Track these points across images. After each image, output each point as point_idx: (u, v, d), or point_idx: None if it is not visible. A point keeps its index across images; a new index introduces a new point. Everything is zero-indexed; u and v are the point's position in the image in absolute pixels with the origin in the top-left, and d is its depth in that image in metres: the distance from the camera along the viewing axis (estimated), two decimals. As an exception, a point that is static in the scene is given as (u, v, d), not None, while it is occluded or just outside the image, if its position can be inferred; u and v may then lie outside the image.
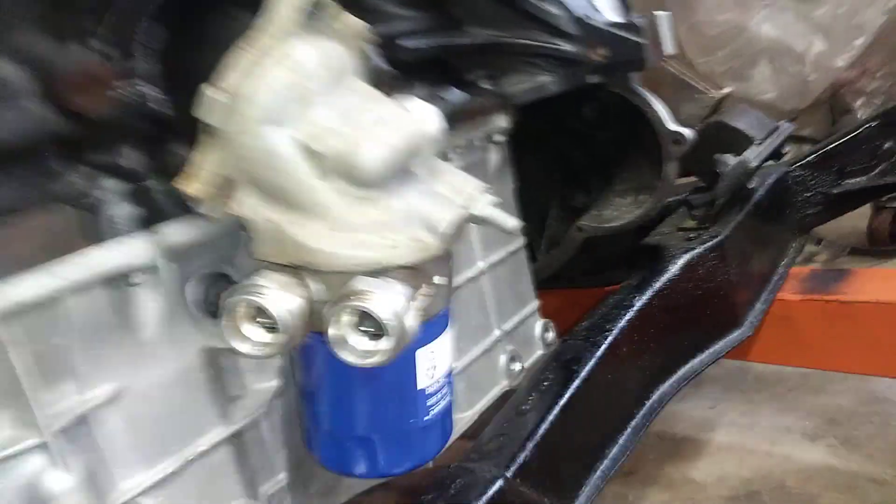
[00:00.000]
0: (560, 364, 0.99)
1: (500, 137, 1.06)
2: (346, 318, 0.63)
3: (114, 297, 0.65)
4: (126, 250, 0.64)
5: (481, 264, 1.07)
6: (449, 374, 0.76)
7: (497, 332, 1.09)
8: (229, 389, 0.76)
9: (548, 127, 1.34)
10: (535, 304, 1.19)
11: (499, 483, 0.78)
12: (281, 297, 0.64)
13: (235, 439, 0.75)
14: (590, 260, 1.32)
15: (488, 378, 1.07)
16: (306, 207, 0.66)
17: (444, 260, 0.71)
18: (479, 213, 0.70)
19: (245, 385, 0.78)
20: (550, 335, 1.19)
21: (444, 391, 0.75)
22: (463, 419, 1.01)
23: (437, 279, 0.70)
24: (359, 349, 0.63)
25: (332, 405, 0.73)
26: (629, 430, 1.02)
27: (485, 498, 0.76)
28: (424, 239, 0.67)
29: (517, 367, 1.10)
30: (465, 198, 0.71)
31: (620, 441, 1.00)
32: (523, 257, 1.18)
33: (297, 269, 0.67)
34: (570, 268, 1.34)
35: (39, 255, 0.59)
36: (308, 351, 0.71)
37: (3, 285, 0.57)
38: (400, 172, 0.68)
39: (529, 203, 1.35)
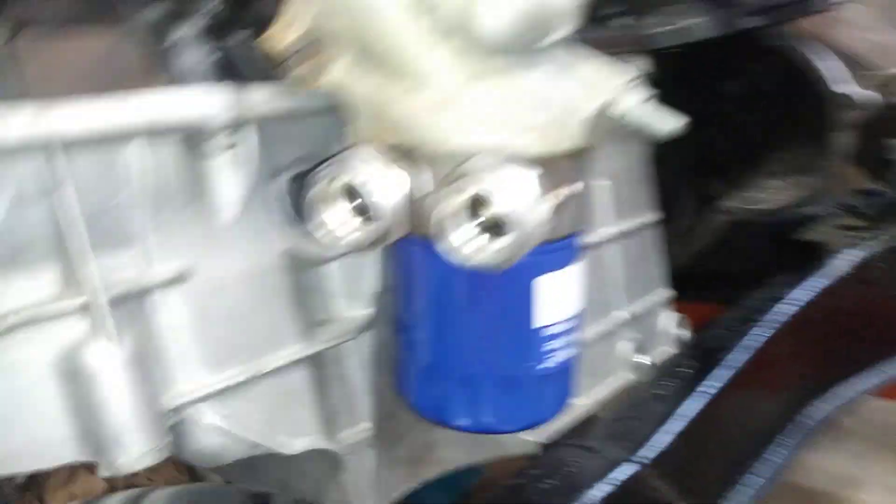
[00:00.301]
0: (700, 350, 0.82)
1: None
2: (454, 202, 0.49)
3: (188, 164, 0.55)
4: (205, 99, 0.53)
5: (607, 230, 0.91)
6: (576, 321, 0.61)
7: (620, 314, 0.92)
8: (314, 312, 0.65)
9: (681, 108, 1.19)
10: (668, 292, 1.01)
11: (630, 468, 0.62)
12: (378, 179, 0.51)
13: (315, 365, 0.64)
14: (723, 260, 1.14)
15: (607, 365, 0.90)
16: (415, 75, 0.53)
17: (580, 166, 0.57)
18: (630, 108, 0.56)
19: (333, 310, 0.66)
20: (686, 332, 1.01)
21: (567, 339, 0.60)
22: (575, 406, 0.85)
23: (577, 187, 0.55)
24: (466, 244, 0.49)
25: (430, 332, 0.59)
26: (781, 447, 0.83)
27: (613, 483, 0.60)
28: (559, 126, 0.53)
29: (644, 358, 0.93)
30: (612, 89, 0.56)
31: (771, 457, 0.81)
32: (658, 235, 1.01)
33: (401, 153, 0.54)
34: (701, 267, 1.16)
35: (99, 86, 0.48)
36: (407, 259, 0.58)
37: (54, 108, 0.46)
38: (531, 50, 0.55)
39: (658, 193, 1.19)
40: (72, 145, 0.48)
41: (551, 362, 0.59)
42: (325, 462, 0.66)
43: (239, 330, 0.59)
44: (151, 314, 0.55)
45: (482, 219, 0.49)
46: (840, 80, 0.97)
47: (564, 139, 0.53)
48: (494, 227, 0.49)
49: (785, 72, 1.02)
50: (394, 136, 0.54)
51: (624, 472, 0.61)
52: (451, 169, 0.51)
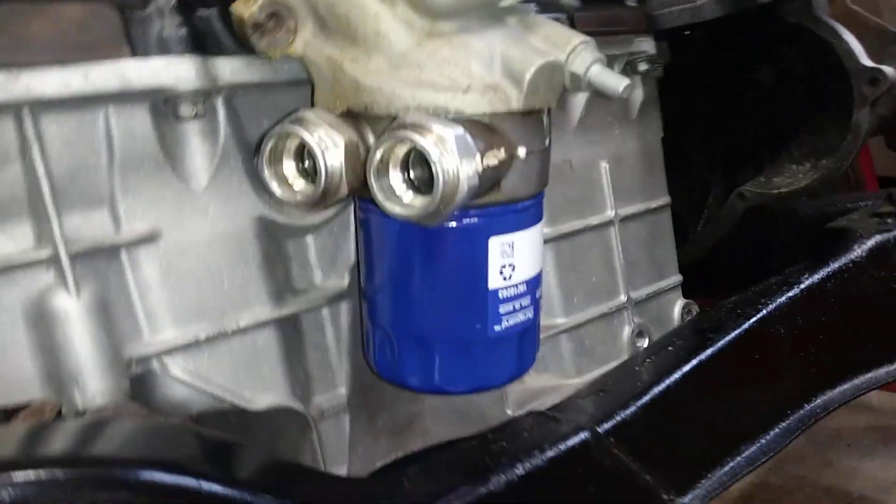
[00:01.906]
0: (692, 330, 0.81)
1: (645, 67, 0.90)
2: (383, 157, 0.50)
3: (161, 128, 0.58)
4: (172, 68, 0.56)
5: (611, 213, 0.91)
6: (534, 285, 0.61)
7: (622, 298, 0.92)
8: (288, 279, 0.67)
9: (710, 97, 1.17)
10: (676, 278, 0.99)
11: (583, 435, 0.61)
12: (323, 139, 0.53)
13: (286, 328, 0.66)
14: (745, 249, 1.11)
15: (606, 348, 0.89)
16: (368, 39, 0.55)
17: (535, 128, 0.57)
18: (580, 69, 0.56)
19: (309, 279, 0.68)
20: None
21: (524, 302, 0.60)
22: (569, 386, 0.84)
23: (521, 150, 0.56)
24: (392, 198, 0.50)
25: (386, 293, 0.60)
26: (776, 430, 0.80)
27: (561, 447, 0.60)
28: (503, 87, 0.54)
29: (645, 343, 0.92)
30: (564, 51, 0.56)
31: (763, 440, 0.78)
32: (667, 220, 0.99)
33: (352, 115, 0.55)
34: (723, 257, 1.13)
35: (71, 57, 0.52)
36: (364, 221, 0.60)
37: (24, 74, 0.50)
38: (485, 15, 0.56)
39: (686, 183, 1.17)
40: (42, 110, 0.52)
41: (506, 325, 0.59)
42: (297, 424, 0.68)
43: (208, 290, 0.61)
44: (121, 270, 0.58)
45: (410, 174, 0.50)
46: (870, 55, 0.93)
47: (510, 100, 0.54)
48: (424, 184, 0.50)
49: (812, 49, 0.98)
50: (349, 99, 0.55)
51: (576, 439, 0.61)
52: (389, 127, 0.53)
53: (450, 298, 0.58)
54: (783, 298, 0.85)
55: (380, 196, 0.51)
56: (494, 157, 0.52)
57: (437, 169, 0.48)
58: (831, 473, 1.62)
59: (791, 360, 0.85)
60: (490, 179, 0.52)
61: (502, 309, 0.59)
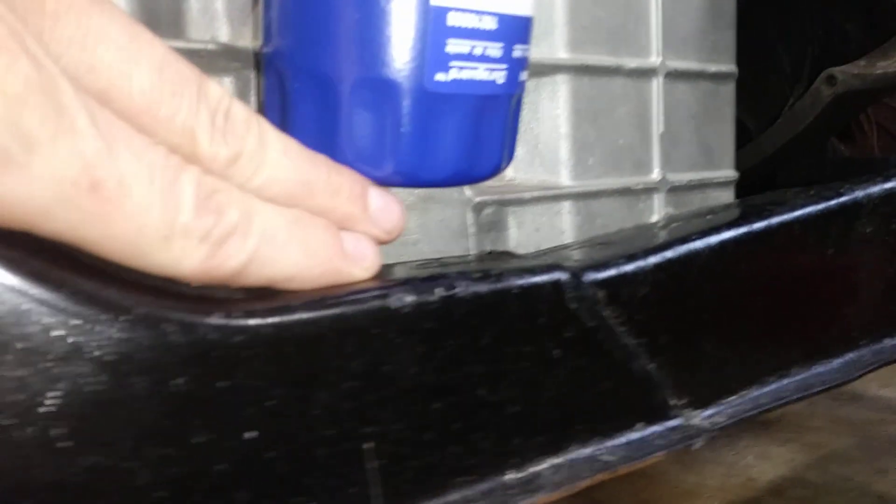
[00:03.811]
0: (746, 203, 0.58)
1: None
2: None
3: None
4: None
5: (656, 59, 0.68)
6: (513, 32, 0.40)
7: (654, 175, 0.69)
8: (189, 25, 0.47)
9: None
10: (729, 172, 0.77)
11: (557, 275, 0.40)
12: None
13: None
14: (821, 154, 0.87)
15: (625, 226, 0.67)
16: None
17: None
18: None
19: (215, 35, 0.48)
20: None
21: (491, 50, 0.39)
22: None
23: None
24: None
25: (283, 10, 0.39)
26: (842, 358, 0.57)
27: (517, 281, 0.38)
28: None
29: (676, 239, 0.69)
30: None
31: (821, 365, 0.56)
32: (728, 94, 0.76)
33: None
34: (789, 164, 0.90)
35: None
36: None
37: None
38: None
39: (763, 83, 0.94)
40: None
41: (454, 77, 0.38)
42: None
43: None
44: None
45: None
46: None
47: None
48: None
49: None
50: None
51: (545, 277, 0.39)
52: None
53: (364, 8, 0.36)
54: (876, 189, 0.61)
55: None
56: None
57: None
58: (885, 482, 1.36)
59: (876, 274, 0.62)
60: None
61: (451, 46, 0.37)
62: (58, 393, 0.26)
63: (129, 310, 0.26)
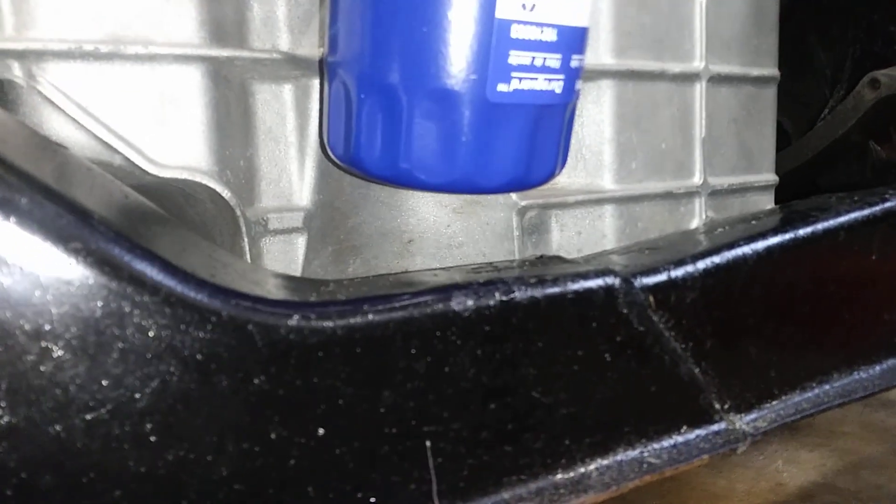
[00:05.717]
0: (789, 209, 0.59)
1: None
2: None
3: None
4: None
5: (700, 64, 0.69)
6: (572, 42, 0.41)
7: (696, 179, 0.70)
8: (250, 33, 0.49)
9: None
10: (770, 177, 0.77)
11: (609, 280, 0.41)
12: None
13: (221, 83, 0.47)
14: (861, 159, 0.87)
15: (665, 230, 0.68)
16: None
17: None
18: None
19: (276, 42, 0.50)
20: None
21: (550, 61, 0.40)
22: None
23: None
24: None
25: (346, 16, 0.40)
26: (886, 363, 0.58)
27: (572, 286, 0.39)
28: None
29: (717, 243, 0.70)
30: None
31: (864, 370, 0.56)
32: (770, 98, 0.77)
33: None
34: (829, 168, 0.90)
35: None
36: None
37: None
38: None
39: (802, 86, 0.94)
40: None
41: (515, 87, 0.39)
42: (222, 219, 0.50)
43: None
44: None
45: None
46: None
47: None
48: None
49: None
50: None
51: (597, 282, 0.40)
52: None
53: (431, 22, 0.37)
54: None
55: None
56: None
57: None
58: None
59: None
60: None
61: (513, 57, 0.39)
62: (150, 390, 0.27)
63: (218, 313, 0.27)
